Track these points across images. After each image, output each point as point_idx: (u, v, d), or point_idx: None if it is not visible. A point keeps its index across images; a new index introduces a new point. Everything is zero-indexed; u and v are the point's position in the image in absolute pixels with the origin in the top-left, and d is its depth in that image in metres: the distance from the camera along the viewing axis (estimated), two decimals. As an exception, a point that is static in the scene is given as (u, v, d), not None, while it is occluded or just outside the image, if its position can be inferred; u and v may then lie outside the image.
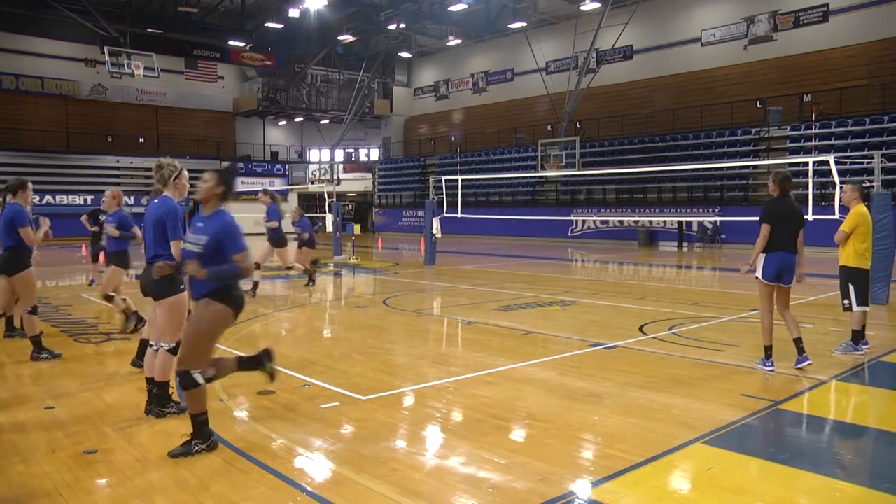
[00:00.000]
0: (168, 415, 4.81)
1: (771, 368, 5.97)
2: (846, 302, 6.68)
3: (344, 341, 7.75)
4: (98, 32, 28.28)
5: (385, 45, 36.11)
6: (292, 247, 12.94)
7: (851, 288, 6.64)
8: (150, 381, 4.90)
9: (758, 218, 6.15)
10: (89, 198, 33.70)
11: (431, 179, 19.86)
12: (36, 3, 28.42)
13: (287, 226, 12.86)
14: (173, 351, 4.73)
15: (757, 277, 6.16)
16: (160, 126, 38.69)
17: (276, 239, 11.99)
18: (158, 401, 4.84)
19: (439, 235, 17.84)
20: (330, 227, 21.69)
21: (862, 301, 6.65)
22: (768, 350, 6.09)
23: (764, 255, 6.05)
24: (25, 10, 29.50)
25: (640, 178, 27.32)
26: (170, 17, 31.56)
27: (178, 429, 4.61)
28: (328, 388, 5.58)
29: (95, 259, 12.10)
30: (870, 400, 5.42)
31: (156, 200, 4.87)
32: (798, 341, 6.07)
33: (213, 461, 4.00)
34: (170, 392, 4.89)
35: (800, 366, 5.96)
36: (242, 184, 39.61)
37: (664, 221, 25.60)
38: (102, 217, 9.37)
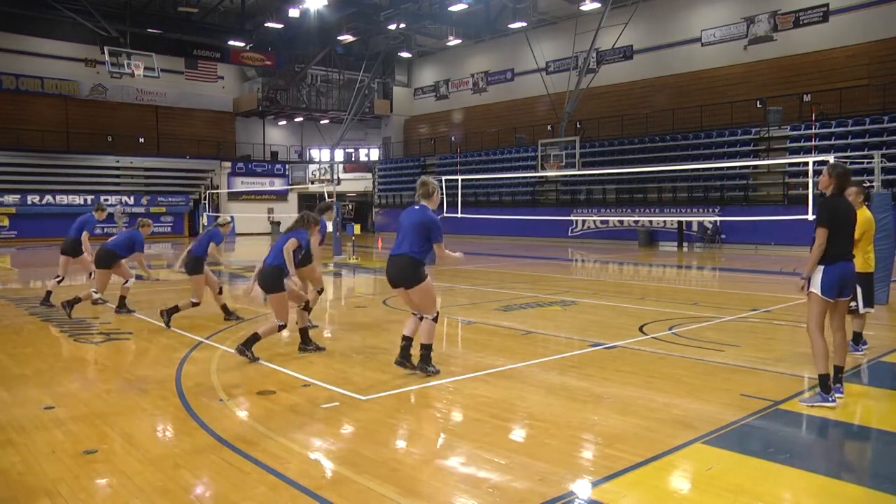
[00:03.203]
0: (430, 373, 5.89)
1: (833, 403, 4.94)
2: (853, 304, 6.62)
3: (344, 341, 7.75)
4: (98, 32, 28.26)
5: (385, 45, 36.11)
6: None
7: (859, 291, 6.60)
8: (406, 338, 6.05)
9: (812, 219, 5.20)
10: (89, 198, 33.72)
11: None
12: (36, 3, 28.38)
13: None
14: (436, 319, 5.97)
15: (811, 292, 5.14)
16: (160, 126, 38.68)
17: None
18: (424, 359, 5.95)
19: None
20: (330, 227, 21.67)
21: (868, 302, 6.64)
22: (825, 379, 5.03)
23: (822, 265, 5.08)
24: (25, 10, 29.46)
25: (640, 178, 27.31)
26: (170, 17, 31.54)
27: (177, 426, 4.62)
28: (328, 388, 5.58)
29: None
30: (870, 400, 5.41)
31: (416, 207, 6.03)
32: (840, 370, 5.23)
33: (213, 461, 4.01)
34: (431, 355, 5.97)
35: (833, 402, 4.98)
36: (242, 184, 39.67)
37: (664, 221, 25.60)
38: None
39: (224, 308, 9.04)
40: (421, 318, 6.03)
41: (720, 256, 21.13)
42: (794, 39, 25.85)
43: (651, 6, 29.03)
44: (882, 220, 9.50)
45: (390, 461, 4.00)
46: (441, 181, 20.38)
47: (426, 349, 5.93)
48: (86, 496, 3.53)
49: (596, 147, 29.53)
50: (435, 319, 5.97)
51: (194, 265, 8.61)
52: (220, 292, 9.06)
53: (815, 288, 5.09)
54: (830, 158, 11.28)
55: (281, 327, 6.62)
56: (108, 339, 7.80)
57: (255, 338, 6.53)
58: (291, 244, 6.59)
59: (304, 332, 7.08)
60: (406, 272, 5.83)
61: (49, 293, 10.32)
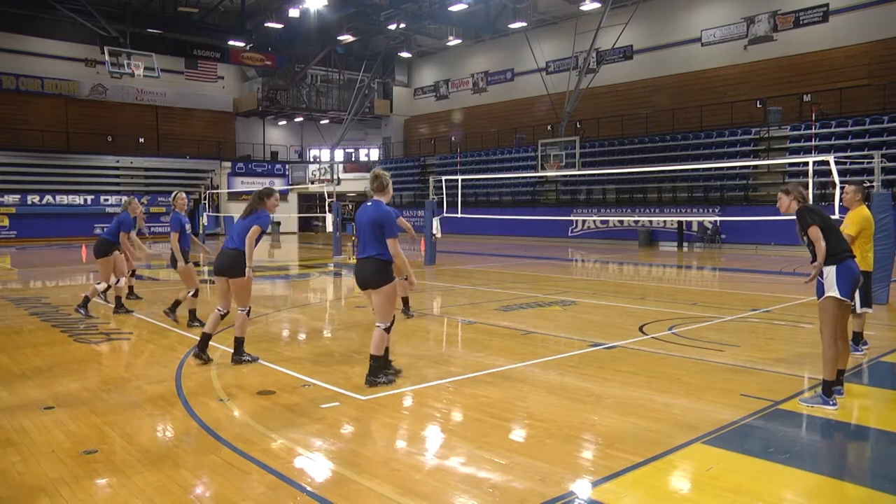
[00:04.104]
0: (379, 384, 5.57)
1: (834, 407, 4.91)
2: (852, 304, 6.59)
3: (344, 341, 7.75)
4: (98, 32, 28.29)
5: (385, 45, 36.13)
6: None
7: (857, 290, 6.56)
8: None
9: (798, 228, 5.10)
10: (89, 198, 33.74)
11: (431, 179, 19.87)
12: (36, 3, 28.41)
13: None
14: (388, 330, 5.60)
15: (830, 297, 4.97)
16: (160, 126, 38.68)
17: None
18: (372, 371, 5.61)
19: (439, 235, 17.84)
20: (330, 227, 21.70)
21: (865, 302, 6.61)
22: (829, 385, 4.97)
23: (832, 266, 4.94)
24: (25, 10, 29.50)
25: (640, 178, 27.32)
26: (170, 17, 31.56)
27: (177, 426, 4.62)
28: (328, 388, 5.58)
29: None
30: (870, 400, 5.41)
31: (369, 204, 5.62)
32: (841, 373, 5.12)
33: (213, 461, 4.01)
34: (388, 361, 5.75)
35: (834, 405, 4.94)
36: (242, 184, 39.67)
37: (664, 221, 25.60)
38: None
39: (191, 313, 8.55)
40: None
41: (720, 256, 21.13)
42: (794, 39, 25.85)
43: (651, 6, 29.04)
44: (882, 220, 9.51)
45: (390, 461, 4.00)
46: (441, 181, 20.53)
47: (375, 360, 5.60)
48: (86, 496, 3.53)
49: (596, 147, 29.53)
50: (387, 330, 5.61)
51: (172, 259, 8.42)
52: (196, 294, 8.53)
53: (834, 291, 4.93)
54: (830, 158, 11.28)
55: (247, 314, 6.45)
56: (108, 339, 7.80)
57: (239, 342, 6.47)
58: (254, 232, 6.20)
59: (206, 338, 6.49)
60: (374, 275, 5.51)
61: (119, 298, 9.78)
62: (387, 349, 5.80)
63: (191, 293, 8.44)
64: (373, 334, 5.61)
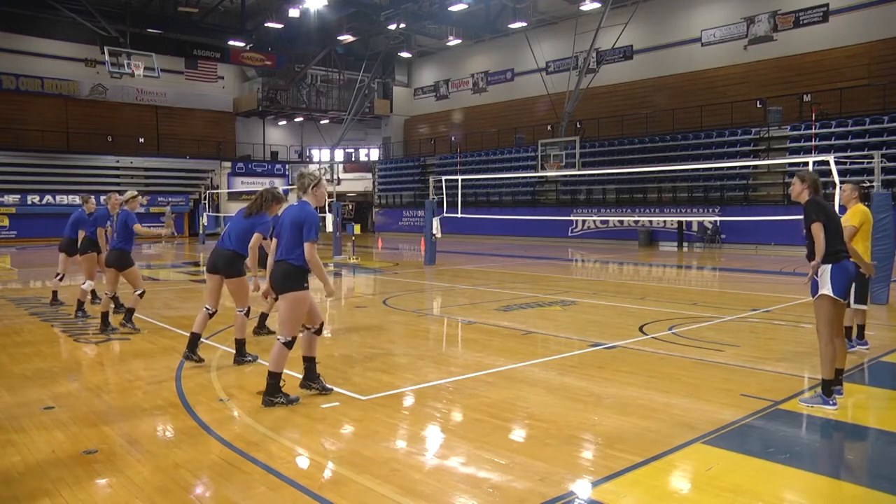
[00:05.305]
0: (277, 404, 5.02)
1: (833, 406, 4.90)
2: (846, 303, 6.57)
3: (344, 341, 7.75)
4: (98, 32, 28.29)
5: (385, 45, 36.12)
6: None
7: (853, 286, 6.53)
8: (306, 359, 5.27)
9: (802, 218, 5.06)
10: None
11: (431, 179, 19.87)
12: (36, 3, 28.42)
13: None
14: (289, 345, 5.06)
15: (823, 295, 4.97)
16: (160, 126, 38.67)
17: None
18: (269, 390, 5.07)
19: (439, 235, 17.84)
20: (330, 227, 21.71)
21: (860, 299, 6.59)
22: (828, 384, 4.97)
23: (828, 265, 4.93)
24: (25, 10, 29.51)
25: (640, 178, 27.32)
26: (170, 17, 31.56)
27: (177, 425, 4.62)
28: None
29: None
30: (870, 400, 5.41)
31: (295, 204, 5.17)
32: (840, 372, 5.15)
33: (213, 461, 4.01)
34: (280, 384, 5.10)
35: (834, 405, 4.93)
36: (242, 184, 39.67)
37: (664, 221, 25.60)
38: None
39: (104, 316, 8.31)
40: (302, 332, 5.23)
41: (720, 256, 21.13)
42: (794, 39, 25.85)
43: (651, 6, 29.03)
44: (882, 220, 9.51)
45: (390, 461, 4.00)
46: (441, 181, 20.53)
47: (272, 378, 5.03)
48: (86, 496, 3.53)
49: (596, 147, 29.53)
50: (288, 345, 5.06)
51: (122, 259, 8.16)
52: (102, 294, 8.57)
53: (827, 290, 4.94)
54: (830, 158, 11.28)
55: (246, 314, 6.42)
56: (108, 339, 7.80)
57: (240, 343, 6.46)
58: (257, 240, 6.02)
59: (195, 338, 6.43)
60: (281, 280, 5.03)
61: (55, 293, 10.74)
62: (314, 361, 5.40)
63: (102, 294, 8.28)
64: (272, 349, 5.09)
